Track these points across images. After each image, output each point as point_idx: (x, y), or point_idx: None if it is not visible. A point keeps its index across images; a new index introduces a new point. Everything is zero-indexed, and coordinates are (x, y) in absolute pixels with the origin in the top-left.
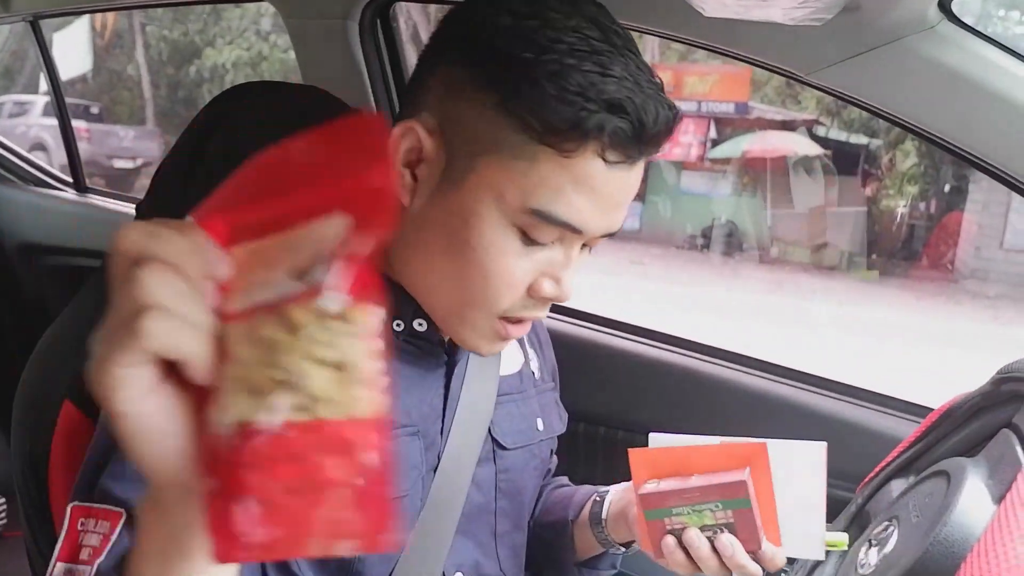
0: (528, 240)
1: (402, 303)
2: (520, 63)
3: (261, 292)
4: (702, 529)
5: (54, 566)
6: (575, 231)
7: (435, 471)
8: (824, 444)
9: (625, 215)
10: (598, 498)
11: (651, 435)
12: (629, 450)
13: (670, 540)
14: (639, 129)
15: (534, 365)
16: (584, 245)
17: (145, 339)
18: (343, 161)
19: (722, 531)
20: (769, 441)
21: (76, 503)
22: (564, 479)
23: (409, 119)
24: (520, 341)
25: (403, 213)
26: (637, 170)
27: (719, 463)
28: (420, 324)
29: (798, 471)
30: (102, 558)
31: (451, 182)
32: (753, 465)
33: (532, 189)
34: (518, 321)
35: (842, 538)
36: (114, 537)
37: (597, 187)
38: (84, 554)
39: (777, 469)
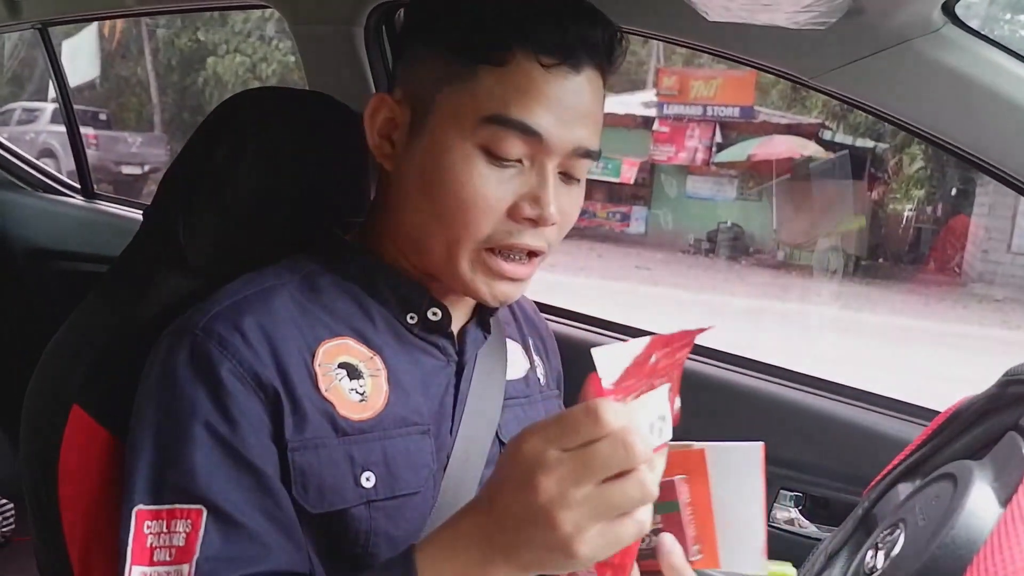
0: (493, 157)
1: (415, 293)
2: (450, 5)
3: None
4: None
5: (130, 571)
6: (533, 135)
7: (444, 471)
8: (761, 444)
9: (593, 130)
10: None
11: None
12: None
13: None
14: (567, 32)
15: (540, 372)
16: (568, 176)
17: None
18: None
19: (653, 536)
20: (707, 445)
21: (141, 507)
22: None
23: (379, 93)
24: (526, 347)
25: (389, 179)
26: (588, 82)
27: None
28: (435, 314)
29: (737, 477)
30: (197, 554)
31: (419, 132)
32: (691, 471)
33: (482, 102)
34: (508, 252)
35: (785, 569)
36: (201, 534)
37: (542, 91)
38: (163, 555)
39: (716, 475)
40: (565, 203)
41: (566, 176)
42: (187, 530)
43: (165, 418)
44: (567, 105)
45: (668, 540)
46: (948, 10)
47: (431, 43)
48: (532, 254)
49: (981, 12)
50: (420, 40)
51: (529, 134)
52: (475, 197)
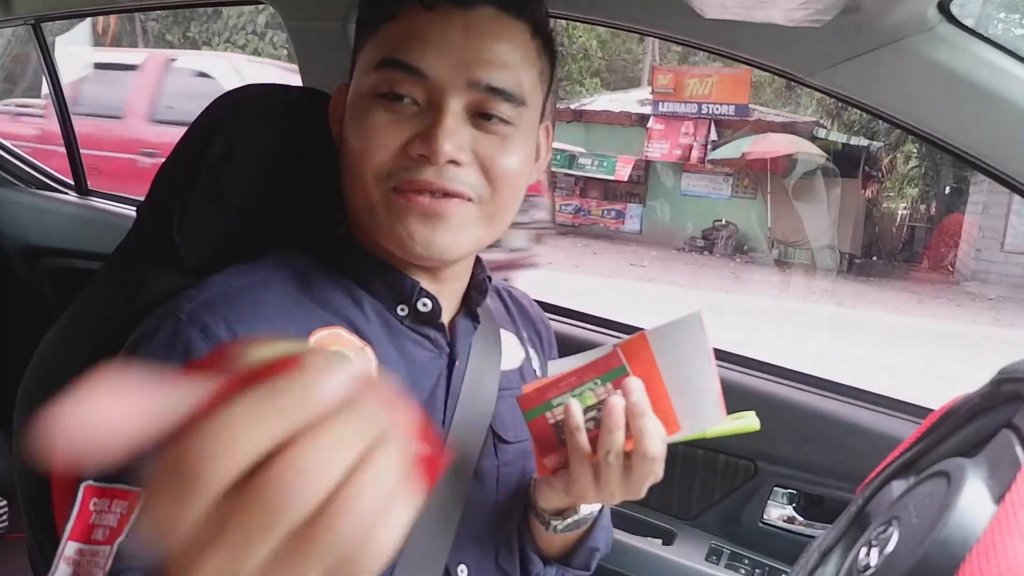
0: (389, 101)
1: (405, 284)
2: None
3: None
4: (585, 411)
5: (64, 545)
6: (414, 72)
7: None
8: (699, 311)
9: (503, 72)
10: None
11: (549, 363)
12: (518, 397)
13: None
14: None
15: (535, 364)
16: (482, 115)
17: None
18: None
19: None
20: (648, 330)
21: (89, 483)
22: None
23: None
24: (521, 339)
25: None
26: (483, 16)
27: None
28: (424, 304)
29: (683, 347)
30: (122, 537)
31: (347, 101)
32: (634, 355)
33: (376, 53)
34: (410, 191)
35: (750, 418)
36: (133, 517)
37: (426, 32)
38: (99, 534)
39: (662, 353)
40: (484, 148)
41: (483, 118)
42: (121, 511)
43: None
44: (454, 42)
45: (613, 400)
46: (943, 8)
47: (361, 28)
48: (448, 196)
49: (976, 11)
50: (356, 18)
51: (412, 72)
52: (371, 137)
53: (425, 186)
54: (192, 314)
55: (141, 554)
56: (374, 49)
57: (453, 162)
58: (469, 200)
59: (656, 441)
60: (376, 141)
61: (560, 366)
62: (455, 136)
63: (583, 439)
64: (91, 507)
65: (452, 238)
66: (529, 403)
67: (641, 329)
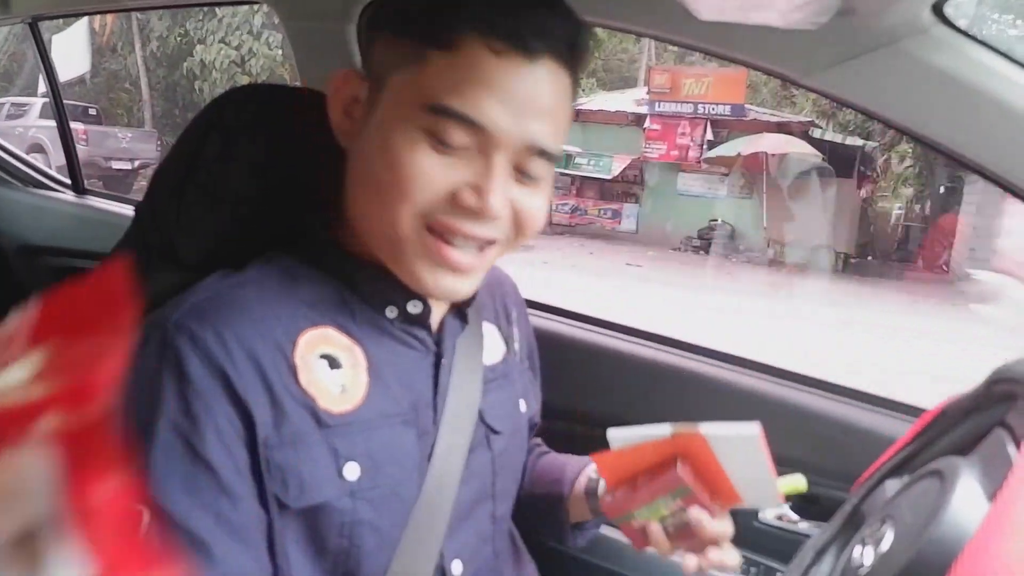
0: (437, 142)
1: (394, 287)
2: None
3: None
4: (662, 520)
5: None
6: (477, 127)
7: (429, 460)
8: (757, 425)
9: (555, 134)
10: (593, 475)
11: (609, 432)
12: (592, 456)
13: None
14: (522, 18)
15: (516, 345)
16: (525, 175)
17: None
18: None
19: (682, 513)
20: (701, 427)
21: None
22: (540, 442)
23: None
24: (500, 328)
25: (346, 158)
26: (545, 72)
27: (666, 453)
28: (415, 305)
29: (741, 455)
30: None
31: (372, 110)
32: (694, 454)
33: (428, 88)
34: (451, 237)
35: (798, 480)
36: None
37: (491, 79)
38: None
39: (721, 455)
40: (522, 202)
41: (522, 174)
42: None
43: (128, 412)
44: (518, 96)
45: (694, 512)
46: (937, 10)
47: (387, 23)
48: (482, 246)
49: (970, 12)
50: (379, 19)
51: (473, 125)
52: (415, 174)
53: (466, 234)
54: (179, 322)
55: None
56: (424, 81)
57: None
58: (497, 242)
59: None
60: (421, 181)
61: (620, 437)
62: (506, 192)
63: (666, 548)
64: None
65: (471, 285)
66: (613, 513)
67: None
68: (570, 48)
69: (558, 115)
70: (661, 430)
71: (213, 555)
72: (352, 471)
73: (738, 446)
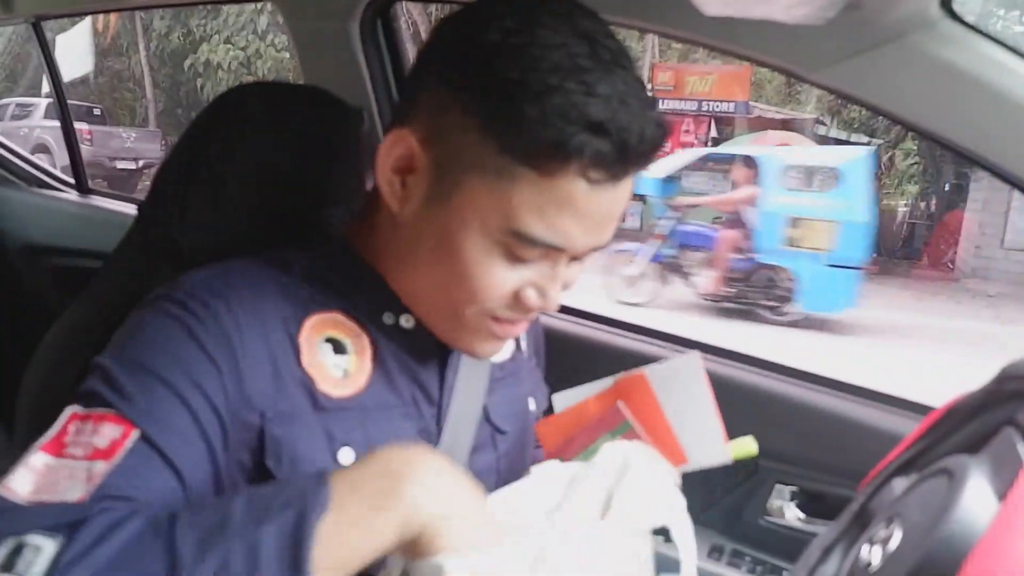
0: (512, 257)
1: (390, 300)
2: (502, 84)
3: None
4: None
5: (33, 455)
6: (557, 250)
7: None
8: (697, 352)
9: (614, 229)
10: None
11: (553, 396)
12: (535, 425)
13: None
14: (622, 149)
15: (523, 343)
16: (574, 258)
17: None
18: None
19: None
20: (645, 368)
21: (76, 409)
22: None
23: (402, 127)
24: None
25: (392, 219)
26: (624, 186)
27: (609, 401)
28: (407, 320)
29: (681, 387)
30: (113, 462)
31: (438, 196)
32: (635, 393)
33: (513, 211)
34: (507, 322)
35: (747, 442)
36: (127, 446)
37: (580, 207)
38: (77, 450)
39: (661, 391)
40: (569, 278)
41: (573, 258)
42: (114, 436)
43: (126, 348)
44: (599, 216)
45: None
46: (945, 5)
47: (468, 109)
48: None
49: (977, 7)
50: (452, 91)
51: (553, 248)
52: (487, 285)
53: (523, 323)
54: (191, 291)
55: (131, 491)
56: (507, 202)
57: None
58: None
59: None
60: (492, 289)
61: (565, 399)
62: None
63: None
64: (69, 428)
65: (505, 345)
66: (551, 457)
67: (631, 326)
68: (653, 158)
69: (622, 213)
70: (605, 382)
71: (185, 486)
72: (347, 456)
73: (679, 379)
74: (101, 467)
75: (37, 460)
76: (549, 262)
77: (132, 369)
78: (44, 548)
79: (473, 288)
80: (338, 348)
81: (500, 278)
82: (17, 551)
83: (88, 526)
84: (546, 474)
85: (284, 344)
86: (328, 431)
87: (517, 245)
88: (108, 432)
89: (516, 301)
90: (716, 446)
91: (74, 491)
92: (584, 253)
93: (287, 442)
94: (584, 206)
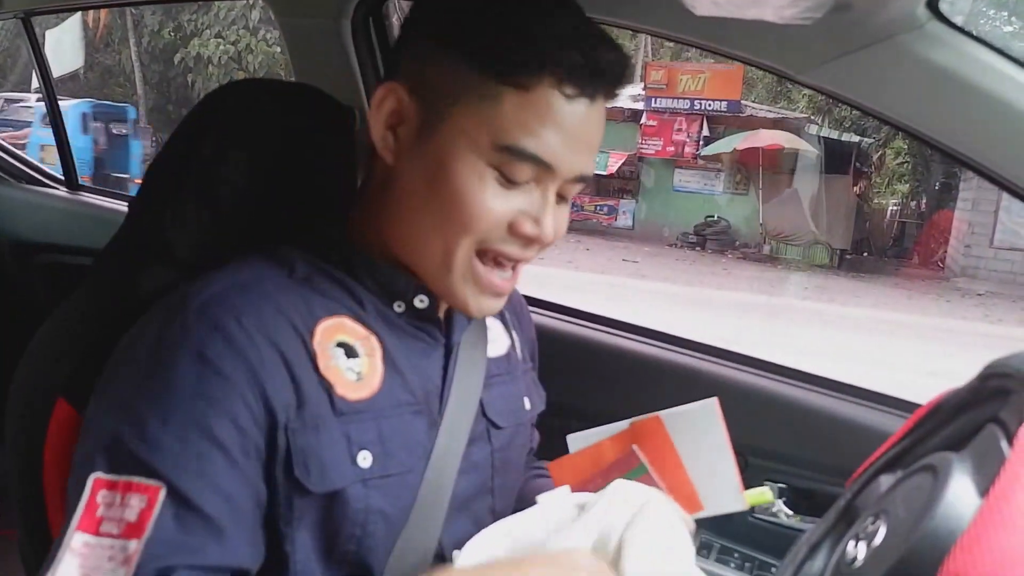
0: (504, 180)
1: (402, 282)
2: (475, 17)
3: None
4: None
5: (71, 536)
6: (545, 165)
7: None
8: (715, 399)
9: (594, 159)
10: None
11: (568, 437)
12: (548, 465)
13: None
14: (591, 61)
15: (518, 346)
16: (561, 197)
17: None
18: None
19: None
20: (662, 412)
21: (99, 475)
22: (542, 465)
23: (390, 82)
24: (505, 324)
25: (388, 178)
26: (598, 110)
27: (625, 444)
28: (421, 301)
29: (698, 431)
30: (148, 534)
31: (428, 134)
32: (651, 437)
33: (500, 127)
34: (498, 260)
35: (764, 492)
36: (156, 513)
37: (560, 121)
38: (110, 527)
39: (678, 435)
40: (557, 220)
41: (560, 196)
42: (141, 506)
43: (140, 387)
44: (579, 135)
45: None
46: (932, 6)
47: (449, 46)
48: (514, 265)
49: (965, 8)
50: (434, 37)
51: (542, 164)
52: (482, 211)
53: (513, 257)
54: (202, 308)
55: (180, 551)
56: (493, 121)
57: None
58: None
59: None
60: (487, 216)
61: (579, 440)
62: (553, 217)
63: None
64: (98, 500)
65: (504, 302)
66: None
67: (633, 329)
68: (619, 83)
69: (599, 143)
70: (620, 425)
71: (224, 536)
72: (364, 459)
73: (695, 421)
74: (134, 546)
75: (76, 541)
76: (540, 189)
77: (151, 413)
78: None
79: (467, 216)
80: (349, 352)
81: (493, 203)
82: None
83: None
84: (552, 504)
85: (299, 351)
86: (346, 435)
87: (507, 163)
88: (135, 503)
89: (511, 231)
90: (732, 493)
91: (116, 574)
92: (570, 179)
93: (313, 451)
94: (563, 120)
